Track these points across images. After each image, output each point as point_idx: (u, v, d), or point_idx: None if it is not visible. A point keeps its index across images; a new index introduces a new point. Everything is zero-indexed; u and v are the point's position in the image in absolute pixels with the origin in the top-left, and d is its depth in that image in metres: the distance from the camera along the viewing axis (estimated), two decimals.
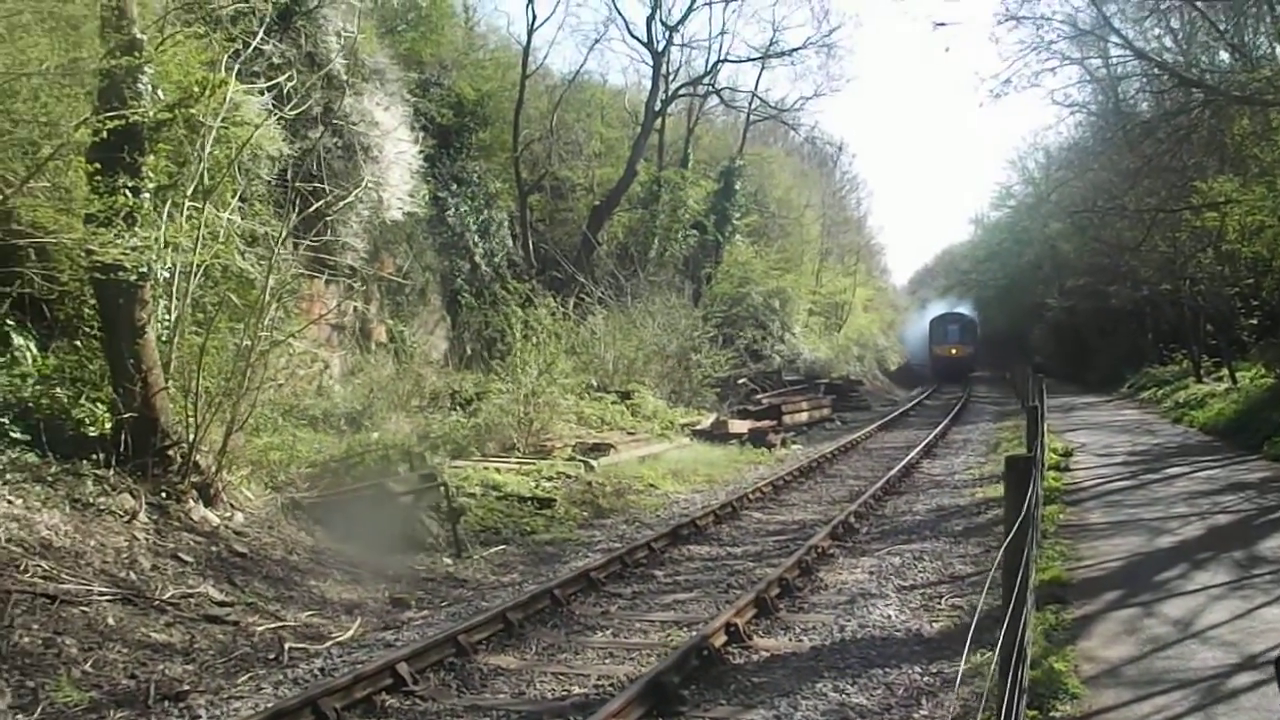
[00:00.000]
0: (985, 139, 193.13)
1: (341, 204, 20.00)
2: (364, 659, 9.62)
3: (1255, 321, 35.74)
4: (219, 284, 15.47)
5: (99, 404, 12.81)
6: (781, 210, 63.30)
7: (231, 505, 13.88)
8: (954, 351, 78.23)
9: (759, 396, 40.59)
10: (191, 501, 13.08)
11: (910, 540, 15.21)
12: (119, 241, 11.94)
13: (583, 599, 12.19)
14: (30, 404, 12.46)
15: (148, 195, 13.02)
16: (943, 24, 57.34)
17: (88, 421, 12.57)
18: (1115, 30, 25.27)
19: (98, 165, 12.12)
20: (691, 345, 37.82)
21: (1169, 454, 22.44)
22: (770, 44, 51.98)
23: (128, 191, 12.42)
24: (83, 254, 12.19)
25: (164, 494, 12.80)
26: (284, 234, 16.21)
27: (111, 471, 12.44)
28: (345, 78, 24.61)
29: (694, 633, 10.09)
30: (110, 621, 9.79)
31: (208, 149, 14.47)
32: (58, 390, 12.79)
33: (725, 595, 12.17)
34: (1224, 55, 27.25)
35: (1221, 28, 24.26)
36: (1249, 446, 21.67)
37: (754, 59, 52.68)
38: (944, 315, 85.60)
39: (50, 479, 11.70)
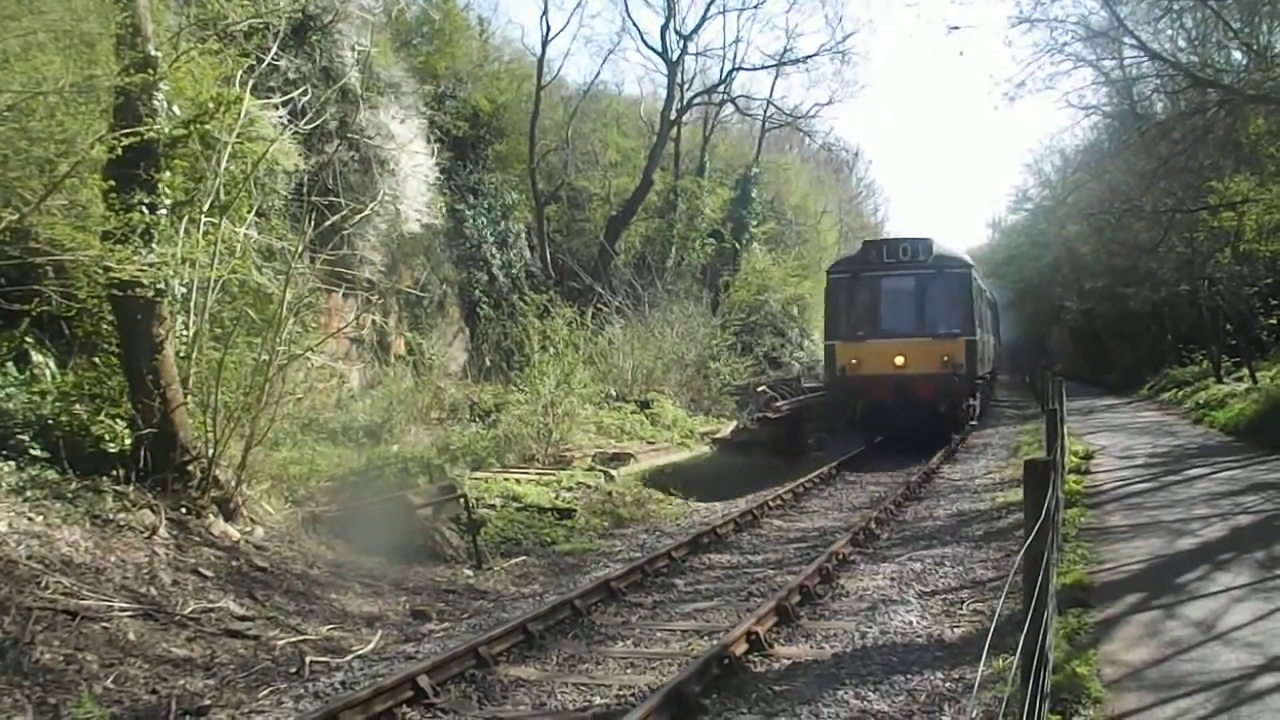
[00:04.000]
0: (1001, 143, 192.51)
1: (358, 217, 20.04)
2: (384, 672, 9.62)
3: (1275, 321, 35.74)
4: (236, 299, 15.52)
5: (118, 420, 12.83)
6: (798, 217, 63.26)
7: (251, 520, 13.90)
8: (900, 361, 27.32)
9: (778, 404, 40.47)
10: (211, 516, 13.10)
11: (931, 546, 15.15)
12: (136, 258, 11.97)
13: (603, 609, 12.16)
14: (50, 421, 12.49)
15: (164, 211, 13.08)
16: (956, 27, 57.78)
17: (107, 438, 12.59)
18: (1129, 31, 25.11)
19: (114, 182, 12.18)
20: (710, 353, 37.78)
21: (1190, 455, 22.30)
22: (785, 51, 52.24)
23: (144, 208, 12.49)
24: (100, 271, 12.20)
25: (184, 509, 12.82)
26: (301, 248, 16.27)
27: (131, 487, 12.46)
28: (360, 92, 24.73)
29: (715, 641, 10.05)
30: (131, 637, 9.81)
31: (223, 164, 14.53)
32: (77, 407, 12.82)
33: (746, 603, 12.14)
34: (1238, 55, 27.16)
35: (1235, 27, 24.16)
36: (1270, 446, 21.48)
37: (768, 66, 52.58)
38: (866, 250, 29.51)
39: (70, 495, 11.72)
